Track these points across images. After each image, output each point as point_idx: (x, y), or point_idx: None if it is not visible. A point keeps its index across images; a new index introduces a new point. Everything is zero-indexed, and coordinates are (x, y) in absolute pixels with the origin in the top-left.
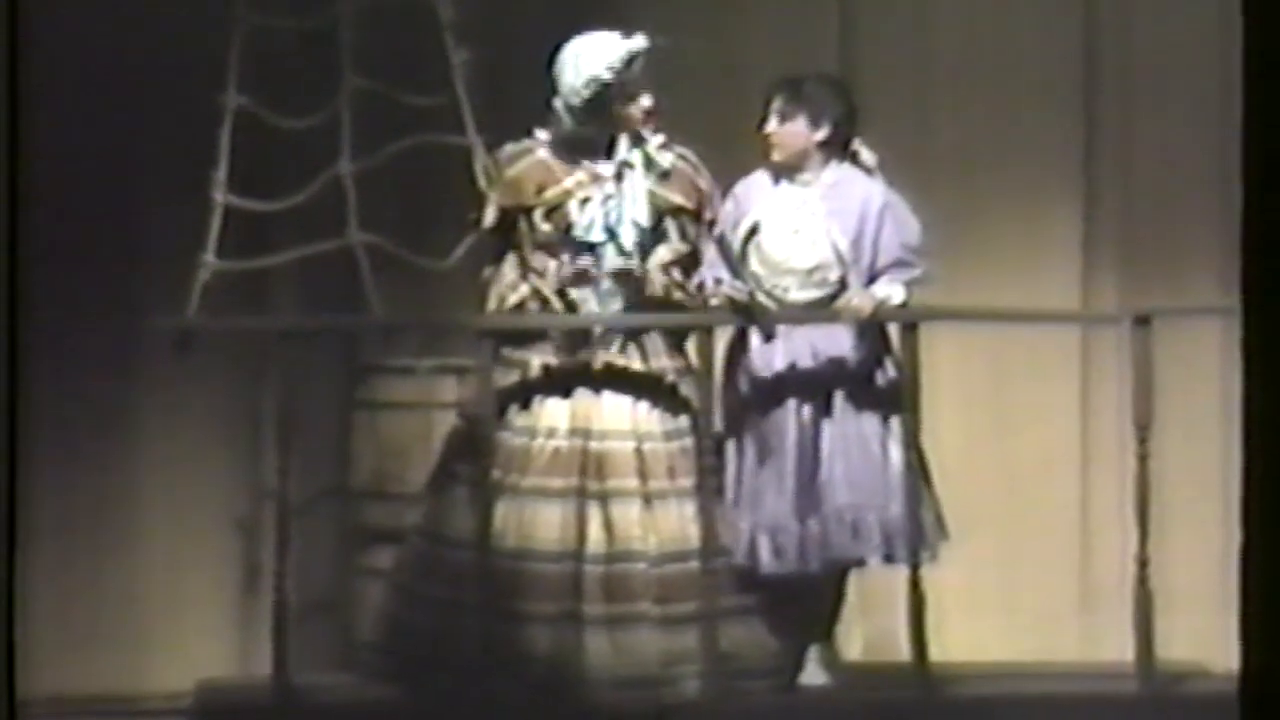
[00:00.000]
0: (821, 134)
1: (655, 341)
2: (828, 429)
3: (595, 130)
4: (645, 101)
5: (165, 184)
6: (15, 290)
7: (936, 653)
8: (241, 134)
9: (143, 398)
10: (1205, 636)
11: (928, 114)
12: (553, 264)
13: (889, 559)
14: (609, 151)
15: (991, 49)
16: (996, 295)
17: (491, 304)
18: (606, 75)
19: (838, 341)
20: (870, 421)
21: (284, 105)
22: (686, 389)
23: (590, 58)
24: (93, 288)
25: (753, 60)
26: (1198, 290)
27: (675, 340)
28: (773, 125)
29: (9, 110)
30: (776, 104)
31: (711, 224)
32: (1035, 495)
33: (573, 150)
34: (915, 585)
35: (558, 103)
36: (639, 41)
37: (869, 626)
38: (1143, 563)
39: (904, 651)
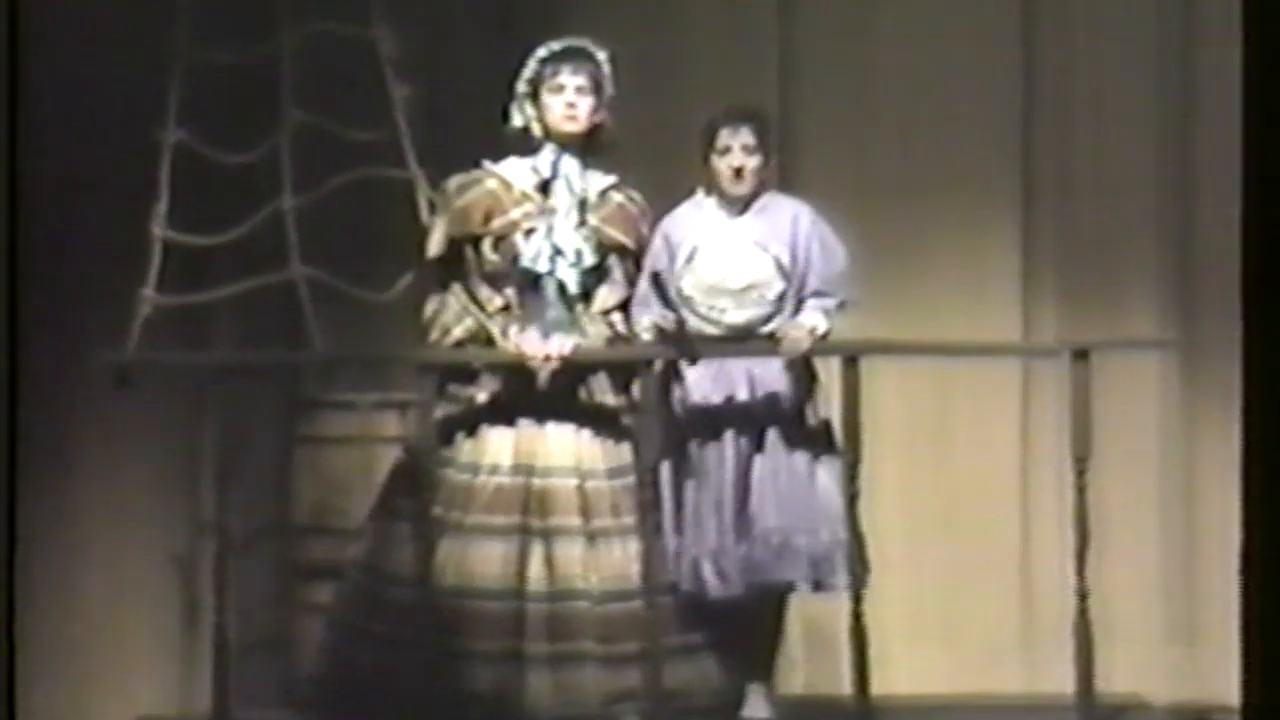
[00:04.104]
0: (768, 167)
1: (599, 379)
2: (760, 456)
3: (534, 134)
4: (572, 97)
5: (105, 219)
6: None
7: (878, 686)
8: (181, 169)
9: (82, 433)
10: (1145, 669)
11: (867, 148)
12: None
13: (818, 586)
14: (548, 169)
15: (931, 83)
16: (937, 328)
17: (435, 335)
18: (543, 53)
19: (772, 369)
20: (801, 449)
21: (224, 140)
22: (630, 426)
23: (542, 48)
24: (31, 322)
25: (692, 91)
26: (1136, 323)
27: (620, 379)
28: (738, 159)
29: None
30: (742, 138)
31: (638, 257)
32: (976, 528)
33: (520, 172)
34: (857, 618)
35: (512, 106)
36: (588, 44)
37: (811, 659)
38: (1082, 595)
39: (847, 685)
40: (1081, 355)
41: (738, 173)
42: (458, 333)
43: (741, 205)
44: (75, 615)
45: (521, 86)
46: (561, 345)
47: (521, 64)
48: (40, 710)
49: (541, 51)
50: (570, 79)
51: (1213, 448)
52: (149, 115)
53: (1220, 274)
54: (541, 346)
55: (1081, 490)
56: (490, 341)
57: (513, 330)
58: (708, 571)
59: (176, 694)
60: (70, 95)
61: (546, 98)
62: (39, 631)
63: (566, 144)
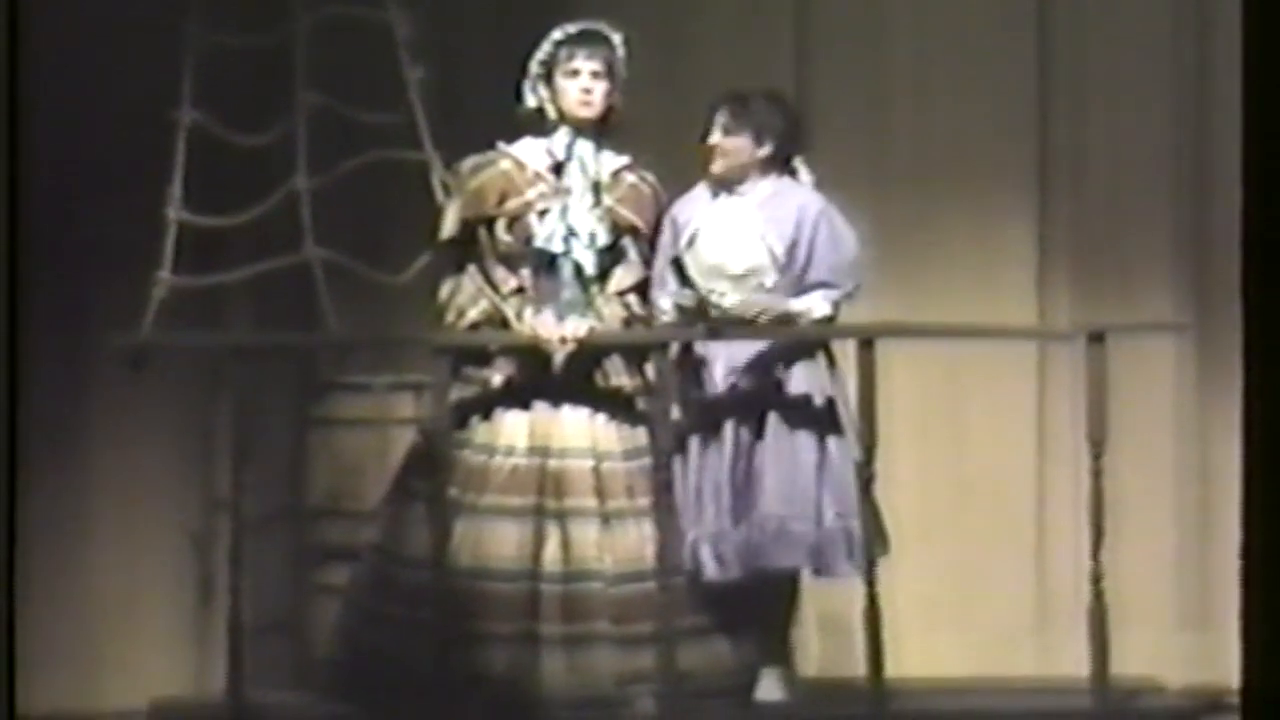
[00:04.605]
0: (764, 150)
1: (615, 361)
2: (763, 439)
3: (548, 116)
4: (587, 82)
5: (121, 201)
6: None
7: (892, 668)
8: (196, 150)
9: (97, 414)
10: (1159, 652)
11: (883, 130)
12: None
13: (819, 572)
14: (562, 151)
15: (946, 66)
16: (952, 311)
17: (450, 317)
18: (559, 36)
19: (777, 353)
20: (806, 433)
21: (239, 122)
22: (645, 408)
23: (557, 30)
24: (47, 304)
25: (709, 75)
26: (1151, 306)
27: (634, 360)
28: (716, 137)
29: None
30: (721, 117)
31: (650, 236)
32: (991, 510)
33: (534, 153)
34: (871, 601)
35: (524, 86)
36: (604, 27)
37: (825, 642)
38: (1097, 578)
39: (860, 667)
40: (1096, 339)
41: (711, 152)
42: (473, 315)
43: (732, 186)
44: (88, 597)
45: (535, 68)
46: (576, 327)
47: (535, 44)
48: (53, 692)
49: (557, 34)
50: (585, 64)
51: (1227, 431)
52: (163, 97)
53: (1234, 258)
54: (556, 329)
55: (1096, 474)
56: (505, 324)
57: (528, 313)
58: (705, 555)
59: (190, 676)
60: (83, 77)
61: (561, 82)
62: (52, 613)
63: (581, 127)
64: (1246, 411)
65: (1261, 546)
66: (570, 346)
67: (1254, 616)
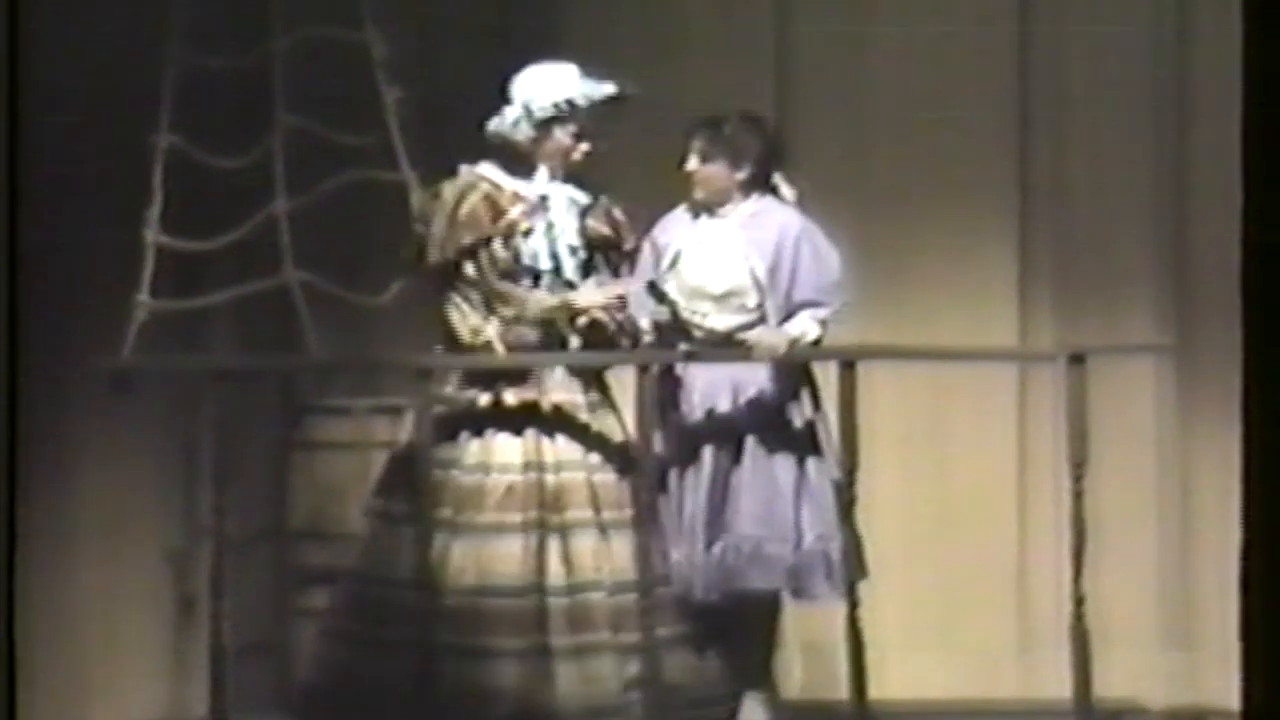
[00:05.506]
0: (742, 174)
1: (602, 375)
2: (739, 463)
3: (528, 156)
4: (586, 145)
5: (99, 224)
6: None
7: (875, 691)
8: (175, 173)
9: (78, 437)
10: (1142, 673)
11: (864, 152)
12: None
13: (797, 594)
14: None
15: (926, 88)
16: (934, 332)
17: (466, 337)
18: (581, 102)
19: (756, 375)
20: (784, 456)
21: (217, 144)
22: (629, 422)
23: (572, 81)
24: (28, 326)
25: (690, 99)
26: (1132, 328)
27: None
28: (693, 164)
29: None
30: (697, 144)
31: (631, 254)
32: (973, 532)
33: (511, 174)
34: (854, 623)
35: (508, 114)
36: (617, 88)
37: (808, 664)
38: (1079, 600)
39: (843, 689)
40: (1077, 360)
41: (689, 178)
42: (490, 331)
43: (713, 208)
44: (70, 621)
45: (540, 109)
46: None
47: (514, 72)
48: (35, 715)
49: (577, 94)
50: (590, 125)
51: (1208, 452)
52: (143, 120)
53: (1216, 278)
54: (597, 295)
55: (1078, 495)
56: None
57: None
58: (685, 575)
59: (172, 700)
60: (65, 100)
61: (564, 139)
62: (34, 637)
63: (561, 170)
64: (1245, 416)
65: (1260, 560)
66: (618, 313)
67: (1253, 634)
